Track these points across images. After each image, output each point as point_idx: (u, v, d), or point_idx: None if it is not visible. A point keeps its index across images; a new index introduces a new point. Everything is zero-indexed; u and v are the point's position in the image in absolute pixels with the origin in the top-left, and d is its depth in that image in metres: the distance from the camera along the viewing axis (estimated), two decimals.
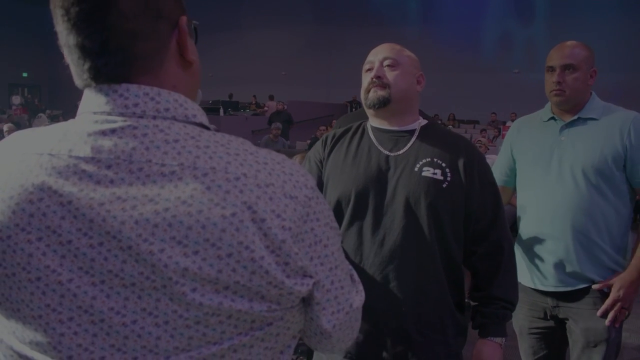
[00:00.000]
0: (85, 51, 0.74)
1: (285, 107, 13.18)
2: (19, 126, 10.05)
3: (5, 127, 7.94)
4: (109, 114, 0.74)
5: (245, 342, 0.74)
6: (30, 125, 12.99)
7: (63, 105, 18.84)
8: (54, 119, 15.20)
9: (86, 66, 0.75)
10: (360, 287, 0.90)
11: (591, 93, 2.16)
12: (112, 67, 0.74)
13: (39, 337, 0.72)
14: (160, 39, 0.76)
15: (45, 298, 0.71)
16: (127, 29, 0.73)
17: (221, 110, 14.34)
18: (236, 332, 0.73)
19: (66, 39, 0.75)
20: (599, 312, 2.06)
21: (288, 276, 0.72)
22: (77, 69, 0.77)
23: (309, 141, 11.84)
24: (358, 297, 0.87)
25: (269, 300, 0.73)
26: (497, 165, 2.37)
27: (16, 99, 20.60)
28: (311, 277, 0.76)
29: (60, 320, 0.71)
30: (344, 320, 0.83)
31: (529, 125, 2.30)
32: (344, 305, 0.82)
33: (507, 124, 14.47)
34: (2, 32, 10.87)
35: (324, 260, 0.77)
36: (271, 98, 16.54)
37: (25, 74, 24.43)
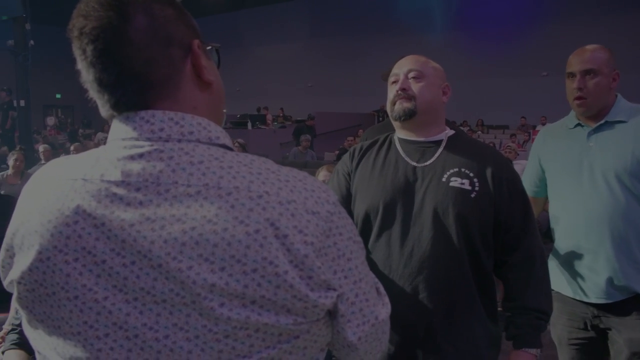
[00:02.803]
0: (103, 84, 0.79)
1: (314, 123, 13.19)
2: (53, 147, 10.29)
3: (41, 148, 8.13)
4: (137, 139, 0.77)
5: (274, 355, 0.75)
6: (65, 145, 13.31)
7: (95, 124, 19.27)
8: (86, 137, 15.61)
9: (106, 97, 0.80)
10: (387, 300, 0.90)
11: (616, 95, 2.10)
12: (130, 96, 0.78)
13: (79, 353, 0.76)
14: (174, 64, 0.80)
15: (83, 315, 0.74)
16: (140, 59, 0.77)
17: (249, 124, 14.46)
18: (264, 346, 0.74)
19: (86, 75, 0.80)
20: None
21: (312, 289, 0.74)
22: (99, 102, 0.82)
23: (337, 152, 11.83)
24: (384, 309, 0.88)
25: (295, 314, 0.74)
26: (526, 176, 2.32)
27: (50, 120, 21.17)
28: (335, 290, 0.77)
29: (97, 337, 0.74)
30: (370, 333, 0.83)
31: (554, 134, 2.25)
32: (369, 317, 0.83)
33: (537, 128, 14.26)
34: (37, 55, 11.22)
35: (347, 274, 0.79)
36: (266, 109, 16.54)
37: (58, 95, 25.07)
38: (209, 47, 0.88)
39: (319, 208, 0.77)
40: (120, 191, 0.75)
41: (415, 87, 1.65)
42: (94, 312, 0.74)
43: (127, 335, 0.74)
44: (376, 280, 0.90)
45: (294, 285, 0.72)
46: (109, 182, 0.76)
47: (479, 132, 17.04)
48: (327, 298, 0.76)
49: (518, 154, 8.61)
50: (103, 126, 18.13)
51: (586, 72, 2.04)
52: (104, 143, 0.87)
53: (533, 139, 10.53)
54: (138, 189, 0.74)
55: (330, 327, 0.82)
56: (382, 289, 0.91)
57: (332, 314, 0.81)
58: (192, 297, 0.71)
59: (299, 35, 22.30)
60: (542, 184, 2.27)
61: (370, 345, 0.85)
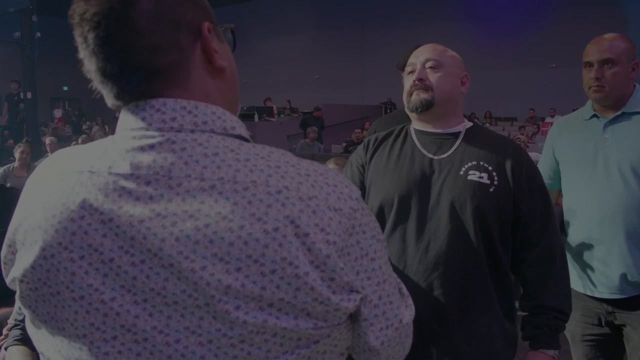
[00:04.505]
0: (106, 74, 0.74)
1: (321, 114, 13.23)
2: (60, 139, 10.32)
3: (47, 141, 8.15)
4: (147, 129, 0.73)
5: None
6: (73, 137, 13.38)
7: (101, 116, 19.30)
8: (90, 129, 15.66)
9: (109, 87, 0.75)
10: (410, 301, 0.86)
11: (634, 86, 2.05)
12: (135, 85, 0.73)
13: (84, 356, 0.72)
14: (181, 49, 0.74)
15: (89, 317, 0.71)
16: (145, 46, 0.72)
17: (256, 116, 14.43)
18: (282, 351, 0.70)
19: (88, 65, 0.75)
20: None
21: (334, 292, 0.70)
22: (103, 92, 0.76)
23: (344, 144, 11.81)
24: (408, 311, 0.84)
25: (315, 317, 0.70)
26: (540, 169, 2.27)
27: (58, 112, 21.20)
28: (358, 292, 0.73)
29: (104, 339, 0.71)
30: (393, 337, 0.79)
31: (569, 125, 2.20)
32: (392, 321, 0.79)
33: (547, 120, 14.14)
34: (43, 47, 11.28)
35: (370, 275, 0.74)
36: (269, 100, 16.56)
37: (65, 88, 25.10)
38: (222, 29, 0.82)
39: (342, 204, 0.72)
40: (129, 185, 0.70)
41: (432, 77, 1.60)
42: (100, 313, 0.70)
43: (136, 338, 0.70)
44: (399, 280, 0.86)
45: (315, 288, 0.68)
46: (117, 174, 0.71)
47: (487, 124, 16.94)
48: (350, 301, 0.72)
49: (528, 146, 8.54)
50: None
51: (604, 62, 2.00)
52: (100, 136, 0.81)
53: (543, 132, 10.47)
54: (148, 183, 0.70)
55: (351, 330, 0.78)
56: (405, 289, 0.87)
57: (353, 317, 0.76)
58: (206, 299, 0.67)
59: (304, 27, 22.19)
60: (557, 176, 2.23)
61: (393, 349, 0.81)
